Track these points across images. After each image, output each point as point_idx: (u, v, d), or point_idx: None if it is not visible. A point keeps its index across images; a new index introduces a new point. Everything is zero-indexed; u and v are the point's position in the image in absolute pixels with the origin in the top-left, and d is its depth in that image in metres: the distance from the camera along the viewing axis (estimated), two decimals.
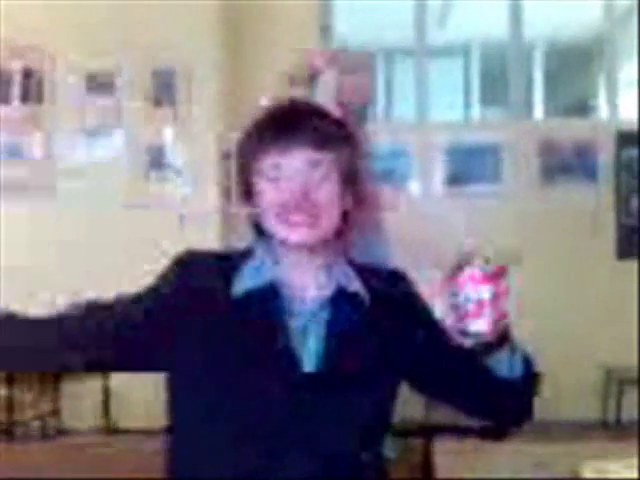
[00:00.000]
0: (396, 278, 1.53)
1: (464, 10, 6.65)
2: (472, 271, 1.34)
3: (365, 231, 2.15)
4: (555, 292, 5.70)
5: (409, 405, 2.58)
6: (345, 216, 1.49)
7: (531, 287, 5.70)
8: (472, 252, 1.37)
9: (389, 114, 7.24)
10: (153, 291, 1.45)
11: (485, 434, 3.32)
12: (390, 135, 6.00)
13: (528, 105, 6.27)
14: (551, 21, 6.52)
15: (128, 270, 5.14)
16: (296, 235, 1.41)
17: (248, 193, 1.48)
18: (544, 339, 5.50)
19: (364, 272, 1.52)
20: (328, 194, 1.43)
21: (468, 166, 5.91)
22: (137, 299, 1.44)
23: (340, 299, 1.45)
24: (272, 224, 1.43)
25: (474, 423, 3.39)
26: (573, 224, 5.69)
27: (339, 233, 1.50)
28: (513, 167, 5.87)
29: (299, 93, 2.16)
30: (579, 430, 5.14)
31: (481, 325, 1.34)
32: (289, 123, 1.44)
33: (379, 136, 5.84)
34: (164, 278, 1.47)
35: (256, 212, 1.47)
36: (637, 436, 2.55)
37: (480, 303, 1.34)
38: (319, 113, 1.50)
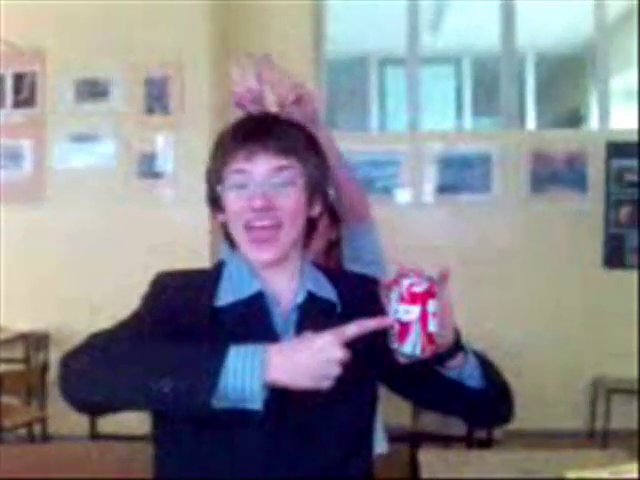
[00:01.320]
0: (368, 283, 1.53)
1: (456, 20, 6.67)
2: (400, 291, 1.31)
3: (356, 236, 2.16)
4: (543, 301, 5.71)
5: (396, 412, 2.59)
6: (313, 223, 1.51)
7: (520, 296, 5.73)
8: (403, 272, 1.33)
9: (381, 123, 7.25)
10: (136, 317, 1.44)
11: (472, 442, 3.33)
12: (381, 144, 6.01)
13: (520, 115, 6.29)
14: (543, 31, 6.55)
15: (120, 276, 5.15)
16: (264, 254, 1.43)
17: (215, 202, 1.50)
18: (531, 348, 5.54)
19: (336, 278, 1.54)
20: (293, 200, 1.44)
21: (459, 175, 5.91)
22: (124, 326, 1.42)
23: (311, 305, 1.46)
24: (239, 240, 1.45)
25: (461, 432, 3.41)
26: (562, 234, 5.71)
27: (308, 240, 1.52)
28: (503, 177, 5.88)
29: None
30: (566, 439, 5.15)
31: (408, 347, 1.31)
32: (254, 131, 1.46)
33: (371, 144, 5.89)
34: (145, 302, 1.47)
35: (225, 222, 1.49)
36: (624, 446, 2.55)
37: (407, 323, 1.31)
38: (284, 122, 1.51)
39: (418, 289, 1.31)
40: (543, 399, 5.31)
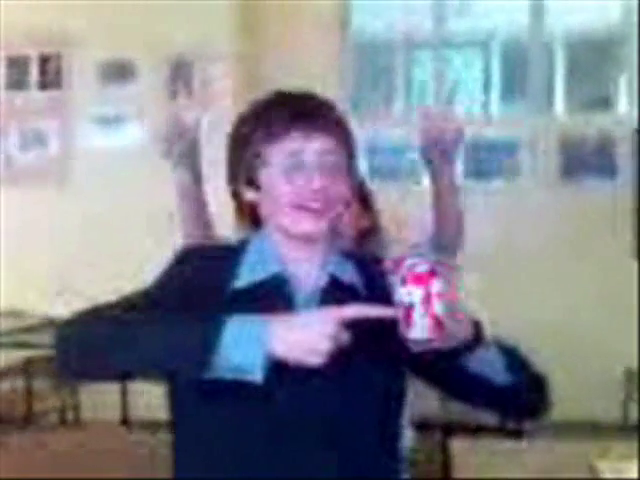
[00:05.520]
0: None
1: (484, 3, 6.61)
2: (401, 273, 1.26)
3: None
4: (573, 290, 5.64)
5: (426, 401, 2.56)
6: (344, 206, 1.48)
7: (548, 284, 5.67)
8: (406, 253, 1.29)
9: (407, 107, 7.19)
10: (155, 288, 1.43)
11: (503, 432, 3.32)
12: (407, 129, 5.97)
13: (548, 100, 6.22)
14: (573, 15, 6.47)
15: (147, 258, 5.15)
16: (308, 225, 1.40)
17: (252, 181, 1.46)
18: (562, 339, 5.48)
19: (364, 264, 1.50)
20: (342, 181, 1.42)
21: (487, 161, 5.87)
22: (141, 296, 1.41)
23: (333, 289, 1.43)
24: (285, 214, 1.41)
25: (492, 421, 3.40)
26: (592, 221, 5.64)
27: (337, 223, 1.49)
28: (532, 163, 5.83)
29: None
30: (599, 431, 5.10)
31: (415, 331, 1.25)
32: (303, 109, 1.42)
33: (396, 130, 5.84)
34: (166, 274, 1.45)
35: (258, 201, 1.47)
36: None
37: (410, 306, 1.25)
38: (326, 100, 1.49)
39: (419, 269, 1.25)
40: (575, 391, 5.24)
